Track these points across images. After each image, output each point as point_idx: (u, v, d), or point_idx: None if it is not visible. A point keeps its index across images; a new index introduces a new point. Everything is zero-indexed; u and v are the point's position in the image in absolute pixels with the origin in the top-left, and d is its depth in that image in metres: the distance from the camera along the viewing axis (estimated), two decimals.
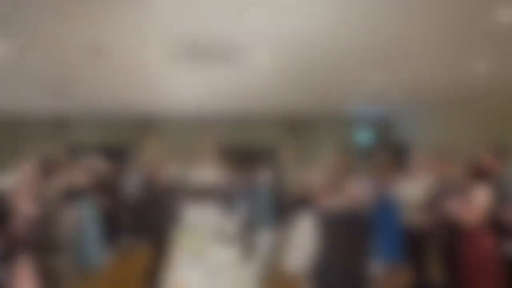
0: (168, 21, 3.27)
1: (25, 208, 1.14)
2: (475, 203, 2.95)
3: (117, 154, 10.12)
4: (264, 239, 3.25)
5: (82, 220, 5.35)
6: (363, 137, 9.77)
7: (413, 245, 3.82)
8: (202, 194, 7.68)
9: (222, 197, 8.27)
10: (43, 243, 2.41)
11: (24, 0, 2.79)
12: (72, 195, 3.42)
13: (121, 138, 8.99)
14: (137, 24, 3.32)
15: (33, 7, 2.92)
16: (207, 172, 8.23)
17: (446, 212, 3.13)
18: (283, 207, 8.43)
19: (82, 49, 3.94)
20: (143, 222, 4.49)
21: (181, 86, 5.82)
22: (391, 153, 8.44)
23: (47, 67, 4.63)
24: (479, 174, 3.12)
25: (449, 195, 3.34)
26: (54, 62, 4.41)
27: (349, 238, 1.86)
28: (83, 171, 5.32)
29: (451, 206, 3.06)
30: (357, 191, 4.24)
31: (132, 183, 6.98)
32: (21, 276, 1.10)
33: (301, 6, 3.01)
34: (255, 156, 10.17)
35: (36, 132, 8.56)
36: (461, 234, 3.04)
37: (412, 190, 3.91)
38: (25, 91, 6.07)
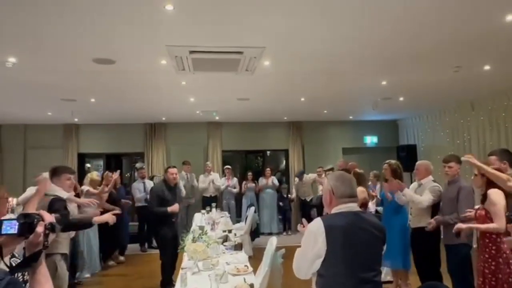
0: (174, 32, 3.35)
1: (46, 216, 1.21)
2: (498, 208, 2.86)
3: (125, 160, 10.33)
4: (271, 241, 3.26)
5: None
6: (371, 140, 9.73)
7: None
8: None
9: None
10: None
11: (33, 14, 2.90)
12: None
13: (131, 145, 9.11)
14: (144, 36, 3.40)
15: (41, 21, 3.03)
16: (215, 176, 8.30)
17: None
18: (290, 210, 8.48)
19: (92, 61, 4.04)
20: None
21: (188, 94, 5.90)
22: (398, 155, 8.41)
23: (57, 77, 4.75)
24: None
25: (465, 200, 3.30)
26: (64, 73, 4.53)
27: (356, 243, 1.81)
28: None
29: None
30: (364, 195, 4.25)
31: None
32: (43, 276, 1.16)
33: (309, 18, 3.07)
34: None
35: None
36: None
37: (420, 193, 3.88)
38: (34, 102, 6.22)
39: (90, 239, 5.47)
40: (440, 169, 3.79)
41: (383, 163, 4.30)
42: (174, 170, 4.62)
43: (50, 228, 1.17)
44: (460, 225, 3.06)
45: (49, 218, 1.18)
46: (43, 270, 1.17)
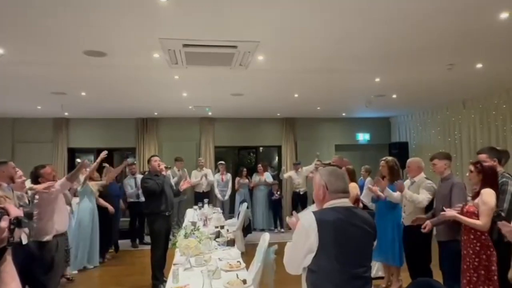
0: (167, 25, 3.29)
1: (12, 210, 1.14)
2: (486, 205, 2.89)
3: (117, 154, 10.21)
4: (264, 237, 3.25)
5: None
6: (363, 137, 9.77)
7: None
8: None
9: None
10: None
11: (22, 3, 2.81)
12: None
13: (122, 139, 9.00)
14: (137, 28, 3.34)
15: (31, 10, 2.94)
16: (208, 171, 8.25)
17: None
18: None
19: (82, 53, 3.95)
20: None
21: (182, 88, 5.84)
22: (391, 153, 8.47)
23: (47, 70, 4.64)
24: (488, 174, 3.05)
25: (457, 197, 3.32)
26: (54, 65, 4.43)
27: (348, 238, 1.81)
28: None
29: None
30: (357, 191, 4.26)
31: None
32: (8, 274, 1.11)
33: (304, 14, 3.04)
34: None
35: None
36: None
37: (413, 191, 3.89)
38: (23, 95, 6.09)
39: (89, 233, 5.43)
40: (431, 166, 3.81)
41: (380, 160, 4.29)
42: (157, 158, 4.61)
43: (16, 223, 1.08)
44: (448, 213, 3.09)
45: (16, 212, 1.10)
46: (8, 268, 1.09)
